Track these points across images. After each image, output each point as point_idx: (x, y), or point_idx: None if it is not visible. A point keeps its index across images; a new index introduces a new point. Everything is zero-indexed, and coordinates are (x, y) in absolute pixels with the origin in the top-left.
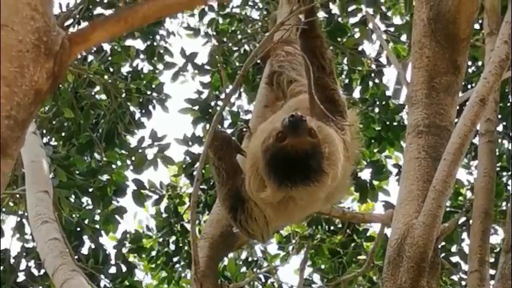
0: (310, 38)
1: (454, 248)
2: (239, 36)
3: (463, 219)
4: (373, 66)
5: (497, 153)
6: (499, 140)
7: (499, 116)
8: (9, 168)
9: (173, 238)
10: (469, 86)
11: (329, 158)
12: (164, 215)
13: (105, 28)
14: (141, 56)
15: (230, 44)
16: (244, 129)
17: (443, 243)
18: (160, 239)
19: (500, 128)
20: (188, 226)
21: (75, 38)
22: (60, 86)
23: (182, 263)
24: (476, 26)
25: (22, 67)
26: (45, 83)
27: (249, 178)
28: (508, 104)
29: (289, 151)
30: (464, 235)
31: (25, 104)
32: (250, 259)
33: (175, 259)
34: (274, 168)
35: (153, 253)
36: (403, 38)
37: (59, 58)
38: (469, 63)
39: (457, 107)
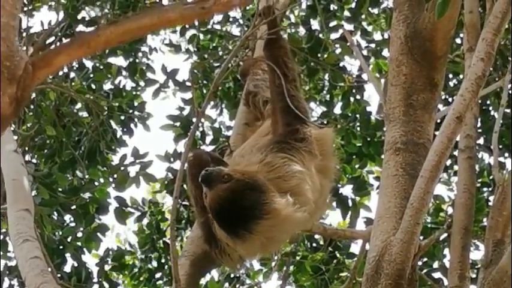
0: (275, 48)
1: (435, 264)
2: (220, 53)
3: (444, 235)
4: (354, 82)
5: (478, 169)
6: (480, 155)
7: (480, 130)
8: None
9: (155, 254)
10: (450, 100)
11: (273, 184)
12: (146, 232)
13: (68, 52)
14: (123, 73)
15: (211, 61)
16: (225, 147)
17: (425, 259)
18: (143, 256)
19: (481, 141)
20: None
21: (38, 62)
22: (42, 103)
23: (165, 279)
24: (458, 41)
25: None
26: (8, 107)
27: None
28: (490, 118)
29: (214, 205)
30: (446, 251)
31: None
32: (232, 275)
33: (157, 275)
34: (223, 226)
35: (135, 270)
36: (385, 52)
37: (22, 83)
38: (450, 75)
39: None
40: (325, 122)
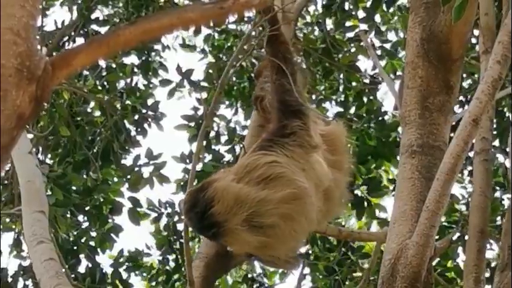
0: (275, 44)
1: (449, 264)
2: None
3: (457, 234)
4: (367, 82)
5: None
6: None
7: (495, 132)
8: None
9: (173, 256)
10: (463, 99)
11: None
12: (163, 233)
13: (87, 52)
14: (136, 71)
15: (226, 60)
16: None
17: (438, 259)
18: (160, 257)
19: (496, 143)
20: None
21: (58, 62)
22: (56, 103)
23: (182, 280)
24: (473, 40)
25: (4, 91)
26: (28, 107)
27: None
28: (504, 119)
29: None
30: (459, 250)
31: (7, 129)
32: (249, 276)
33: (175, 277)
34: (205, 236)
35: (153, 271)
36: (400, 53)
37: (41, 82)
38: (464, 75)
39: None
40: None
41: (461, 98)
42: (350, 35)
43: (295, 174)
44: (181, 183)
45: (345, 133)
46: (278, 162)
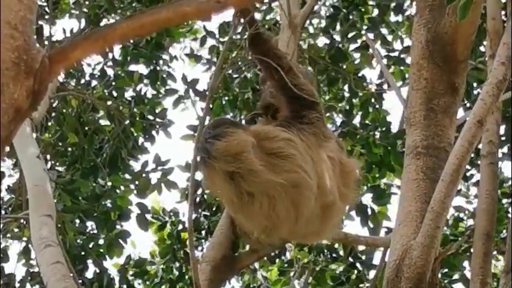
0: (260, 43)
1: (456, 275)
2: (239, 63)
3: (464, 245)
4: (373, 90)
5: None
6: (500, 164)
7: (503, 138)
8: None
9: (176, 264)
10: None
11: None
12: (167, 242)
13: (85, 46)
14: (145, 81)
15: (231, 71)
16: None
17: (445, 270)
18: (164, 265)
19: (505, 150)
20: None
21: (55, 56)
22: (64, 111)
23: None
24: (482, 49)
25: (1, 85)
26: (25, 101)
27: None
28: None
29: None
30: (466, 262)
31: (4, 122)
32: (252, 285)
33: (178, 285)
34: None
35: (157, 280)
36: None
37: (39, 76)
38: (475, 84)
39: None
40: (345, 131)
41: (471, 105)
42: (356, 45)
43: (304, 161)
44: (186, 192)
45: (359, 169)
46: (293, 141)
